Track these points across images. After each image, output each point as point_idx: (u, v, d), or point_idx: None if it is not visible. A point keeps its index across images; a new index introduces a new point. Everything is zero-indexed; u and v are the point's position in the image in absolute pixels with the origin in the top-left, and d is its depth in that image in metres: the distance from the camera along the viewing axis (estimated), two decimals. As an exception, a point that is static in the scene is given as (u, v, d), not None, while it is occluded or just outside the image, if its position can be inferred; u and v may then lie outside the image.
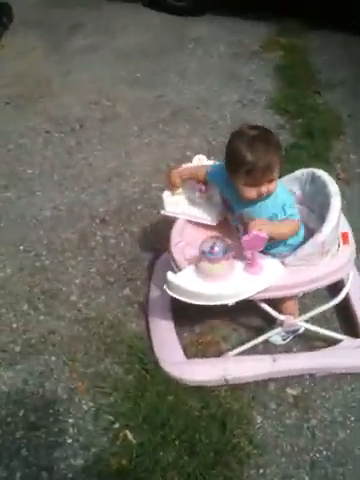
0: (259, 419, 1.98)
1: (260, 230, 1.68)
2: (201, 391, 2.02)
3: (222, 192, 1.97)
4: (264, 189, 1.72)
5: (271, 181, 1.72)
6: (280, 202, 1.79)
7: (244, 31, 4.51)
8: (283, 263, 1.83)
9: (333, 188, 1.82)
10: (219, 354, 2.15)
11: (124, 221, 2.79)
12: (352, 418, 1.97)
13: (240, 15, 4.62)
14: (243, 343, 2.13)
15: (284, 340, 2.17)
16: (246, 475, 1.83)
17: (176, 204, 2.06)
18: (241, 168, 1.68)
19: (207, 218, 2.01)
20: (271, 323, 2.13)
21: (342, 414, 1.98)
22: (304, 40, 4.29)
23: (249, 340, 2.13)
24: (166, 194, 2.08)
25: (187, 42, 4.43)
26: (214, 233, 1.95)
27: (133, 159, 3.21)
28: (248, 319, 2.27)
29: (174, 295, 1.81)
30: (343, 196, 1.86)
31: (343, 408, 2.00)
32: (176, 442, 1.88)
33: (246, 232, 1.74)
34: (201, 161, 2.09)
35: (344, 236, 1.92)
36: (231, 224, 2.01)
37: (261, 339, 2.07)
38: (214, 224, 2.02)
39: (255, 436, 1.92)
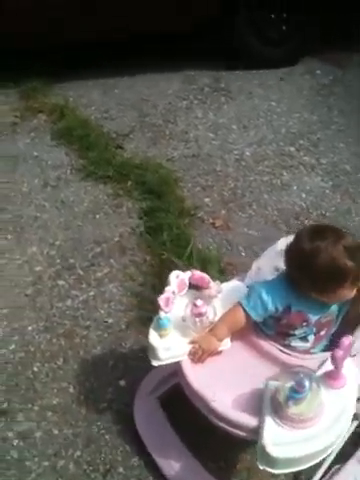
0: None
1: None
2: None
3: (282, 310, 1.48)
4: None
5: None
6: None
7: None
8: (350, 355, 1.42)
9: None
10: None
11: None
12: None
13: None
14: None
15: None
16: None
17: (171, 347, 1.43)
18: (347, 278, 1.42)
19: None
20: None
21: None
22: (60, 97, 3.73)
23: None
24: (153, 337, 1.43)
25: None
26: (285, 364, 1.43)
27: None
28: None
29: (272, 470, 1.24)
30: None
31: None
32: None
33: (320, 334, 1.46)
34: (180, 276, 1.50)
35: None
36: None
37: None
38: (228, 346, 1.48)
39: None
